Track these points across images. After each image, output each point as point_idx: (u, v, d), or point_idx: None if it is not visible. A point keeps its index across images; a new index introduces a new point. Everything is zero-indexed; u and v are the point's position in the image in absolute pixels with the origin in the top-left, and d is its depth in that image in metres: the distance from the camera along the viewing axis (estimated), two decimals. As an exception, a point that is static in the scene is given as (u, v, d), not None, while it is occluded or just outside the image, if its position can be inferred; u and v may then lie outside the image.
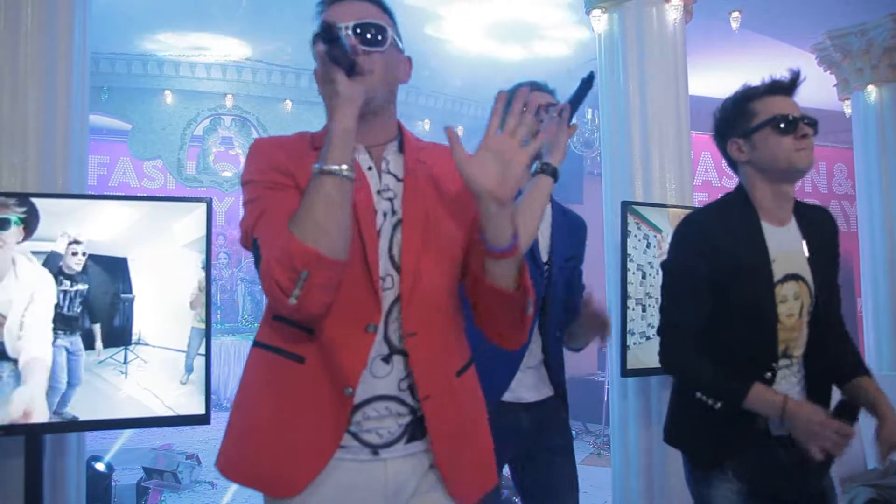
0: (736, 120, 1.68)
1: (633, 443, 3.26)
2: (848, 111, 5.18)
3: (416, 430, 1.21)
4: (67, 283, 2.26)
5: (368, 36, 1.19)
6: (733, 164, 1.73)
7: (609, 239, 3.28)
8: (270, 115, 6.49)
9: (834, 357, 1.70)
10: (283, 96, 6.48)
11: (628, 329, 2.88)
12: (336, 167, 1.09)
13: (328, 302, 1.13)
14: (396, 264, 1.20)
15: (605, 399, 5.48)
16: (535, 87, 1.89)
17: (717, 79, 6.16)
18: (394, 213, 1.23)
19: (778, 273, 1.61)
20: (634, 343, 2.89)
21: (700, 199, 5.68)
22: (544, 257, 1.90)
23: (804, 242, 1.67)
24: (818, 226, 1.72)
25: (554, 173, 1.71)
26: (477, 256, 1.19)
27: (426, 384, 1.19)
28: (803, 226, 1.69)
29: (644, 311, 2.91)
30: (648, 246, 2.93)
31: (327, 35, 1.11)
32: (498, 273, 1.15)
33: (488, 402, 1.73)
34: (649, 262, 2.93)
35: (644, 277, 2.92)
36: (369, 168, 1.25)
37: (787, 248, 1.65)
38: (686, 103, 3.44)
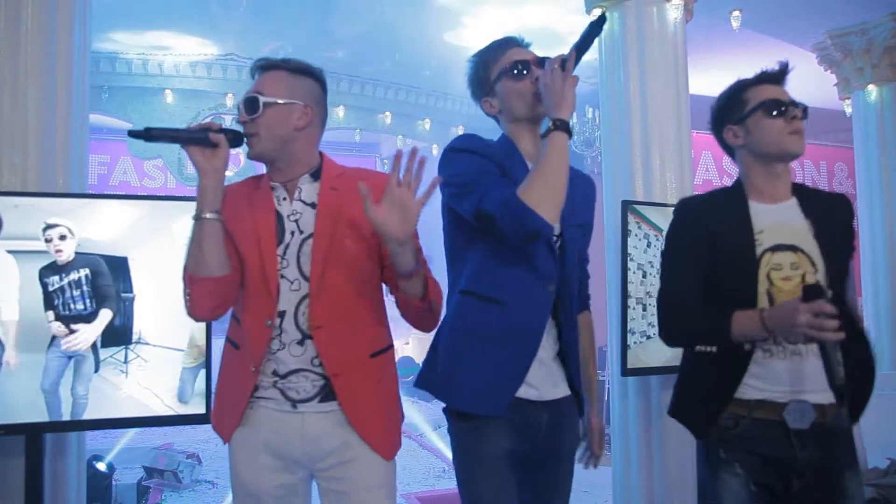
0: (730, 108, 1.75)
1: (634, 441, 3.26)
2: (848, 110, 5.17)
3: (329, 392, 1.55)
4: (56, 277, 2.22)
5: (247, 107, 1.56)
6: (730, 151, 1.80)
7: (610, 238, 3.28)
8: (271, 115, 6.51)
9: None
10: (283, 96, 6.49)
11: (629, 329, 2.87)
12: (197, 214, 1.50)
13: (213, 306, 1.56)
14: (302, 271, 1.56)
15: (606, 398, 5.47)
16: (514, 43, 1.75)
17: (718, 78, 6.15)
18: (301, 231, 1.58)
19: (766, 243, 1.64)
20: (635, 342, 2.89)
21: (700, 198, 5.67)
22: (556, 230, 1.65)
23: (808, 220, 1.68)
24: (829, 208, 1.73)
25: (567, 127, 1.57)
26: (389, 274, 1.58)
27: (333, 365, 1.53)
28: (808, 205, 1.71)
29: (644, 310, 2.91)
30: (649, 245, 2.92)
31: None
32: (407, 289, 1.53)
33: (501, 400, 1.59)
34: (650, 262, 2.92)
35: (644, 277, 2.91)
36: (284, 198, 1.61)
37: (777, 221, 1.68)
38: (686, 102, 3.44)
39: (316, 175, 1.62)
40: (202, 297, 1.53)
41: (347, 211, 1.57)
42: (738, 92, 1.75)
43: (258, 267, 1.55)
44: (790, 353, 1.61)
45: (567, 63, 1.58)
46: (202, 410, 2.42)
